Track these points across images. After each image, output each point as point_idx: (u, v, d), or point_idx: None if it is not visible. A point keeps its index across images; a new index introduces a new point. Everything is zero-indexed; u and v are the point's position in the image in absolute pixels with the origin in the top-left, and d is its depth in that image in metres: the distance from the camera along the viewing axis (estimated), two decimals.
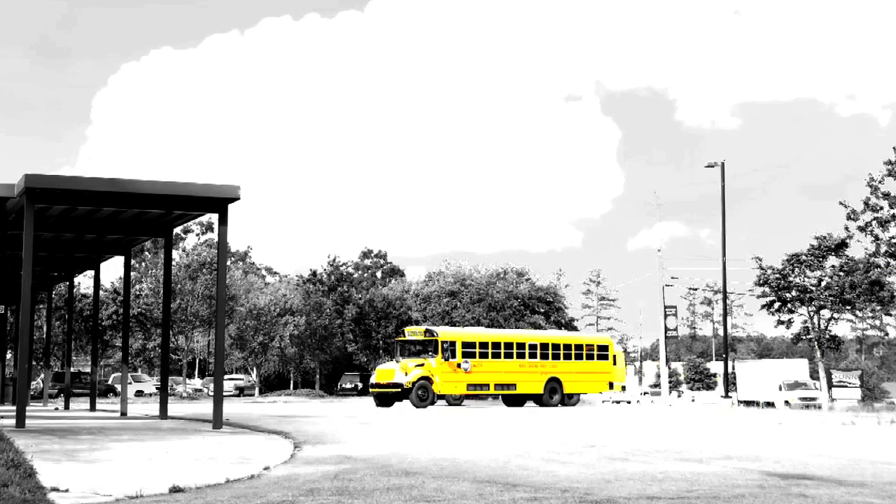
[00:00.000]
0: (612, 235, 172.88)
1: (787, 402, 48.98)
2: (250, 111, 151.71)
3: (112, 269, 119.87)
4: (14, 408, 20.50)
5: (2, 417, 20.92)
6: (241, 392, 66.86)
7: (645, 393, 68.64)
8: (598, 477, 11.04)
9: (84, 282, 60.33)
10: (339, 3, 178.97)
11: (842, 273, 46.94)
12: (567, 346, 42.31)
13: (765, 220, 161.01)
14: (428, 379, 38.28)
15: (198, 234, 74.99)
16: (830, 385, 51.14)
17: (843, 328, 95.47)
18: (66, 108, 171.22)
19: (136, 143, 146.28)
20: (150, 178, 20.78)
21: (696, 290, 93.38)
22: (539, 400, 40.96)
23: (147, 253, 67.94)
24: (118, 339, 61.57)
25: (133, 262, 53.82)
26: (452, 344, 39.31)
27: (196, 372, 77.43)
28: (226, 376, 65.42)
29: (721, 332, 74.98)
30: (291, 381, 75.31)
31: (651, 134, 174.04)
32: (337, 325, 71.94)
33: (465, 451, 14.35)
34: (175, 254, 64.71)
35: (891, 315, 52.25)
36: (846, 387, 52.27)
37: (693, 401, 62.46)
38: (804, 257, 48.39)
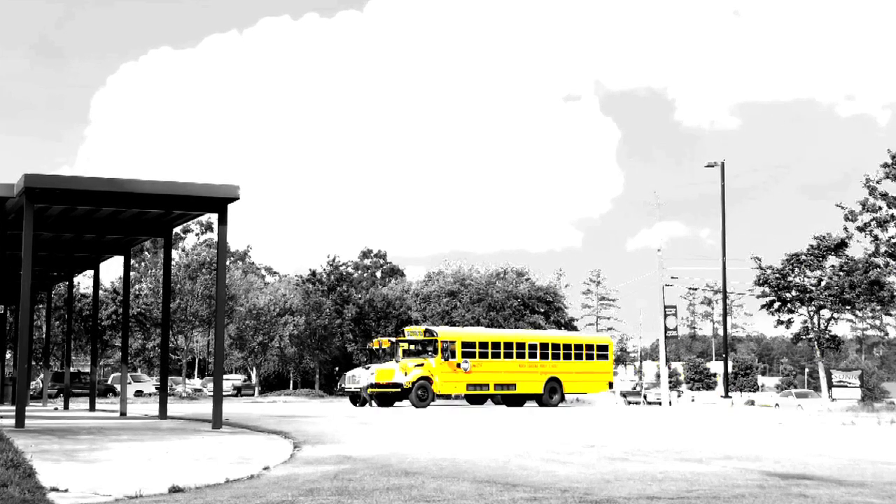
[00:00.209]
0: (612, 235, 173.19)
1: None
2: (250, 111, 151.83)
3: (112, 269, 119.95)
4: (13, 408, 20.46)
5: (1, 417, 20.90)
6: (238, 392, 66.78)
7: (680, 393, 68.47)
8: (598, 477, 11.02)
9: (84, 282, 60.31)
10: (338, 2, 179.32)
11: (841, 273, 46.96)
12: (567, 346, 42.29)
13: (765, 220, 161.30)
14: (428, 379, 38.24)
15: (197, 234, 74.92)
16: (830, 385, 51.13)
17: (842, 328, 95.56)
18: (66, 108, 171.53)
19: (135, 143, 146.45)
20: (150, 177, 20.77)
21: (695, 290, 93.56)
22: (539, 400, 40.95)
23: (147, 253, 67.88)
24: (118, 339, 61.51)
25: (133, 261, 53.86)
26: (452, 344, 39.27)
27: (196, 372, 77.38)
28: (224, 376, 65.32)
29: (721, 332, 74.95)
30: (291, 381, 75.31)
31: (650, 134, 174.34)
32: (336, 325, 71.90)
33: (465, 451, 14.33)
34: (175, 254, 64.73)
35: (890, 315, 52.33)
36: (846, 387, 52.22)
37: (693, 401, 62.46)
38: (804, 257, 48.44)
